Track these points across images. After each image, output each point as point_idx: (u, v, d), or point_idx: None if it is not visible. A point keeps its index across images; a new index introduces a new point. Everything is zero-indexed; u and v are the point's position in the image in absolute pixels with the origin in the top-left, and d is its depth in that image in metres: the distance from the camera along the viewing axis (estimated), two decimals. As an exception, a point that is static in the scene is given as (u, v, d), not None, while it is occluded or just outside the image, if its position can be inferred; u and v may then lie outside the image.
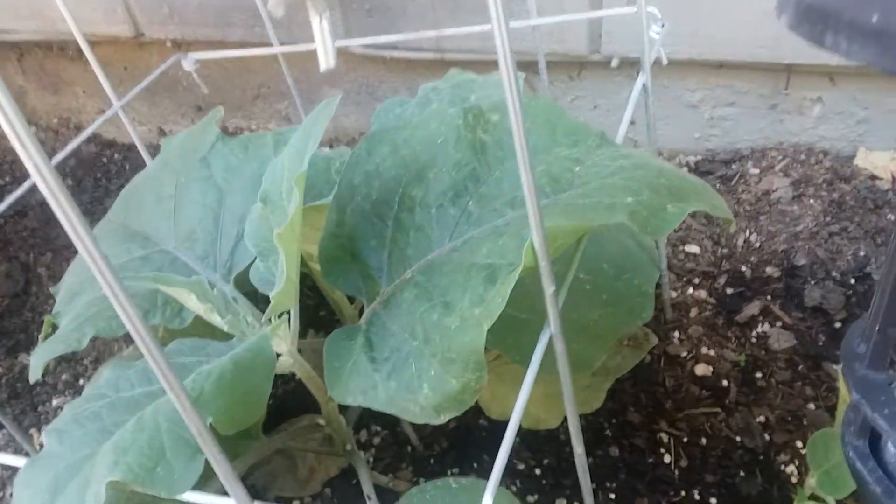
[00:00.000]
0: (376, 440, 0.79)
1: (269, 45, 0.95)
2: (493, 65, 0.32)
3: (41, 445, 0.89)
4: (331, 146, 1.28)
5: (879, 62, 0.22)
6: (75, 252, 1.15)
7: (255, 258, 0.63)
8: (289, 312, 0.58)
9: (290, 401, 0.81)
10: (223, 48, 1.00)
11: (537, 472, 0.73)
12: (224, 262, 0.69)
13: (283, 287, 0.53)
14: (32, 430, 0.92)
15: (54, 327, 0.71)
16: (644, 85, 0.72)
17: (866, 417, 0.33)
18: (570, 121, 0.59)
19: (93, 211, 1.24)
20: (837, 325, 0.81)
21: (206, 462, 0.49)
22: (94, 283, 0.71)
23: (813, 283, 0.86)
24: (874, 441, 0.36)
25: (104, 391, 0.51)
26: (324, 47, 0.24)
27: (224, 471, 0.38)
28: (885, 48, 0.21)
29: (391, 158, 0.60)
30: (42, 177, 0.29)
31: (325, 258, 0.60)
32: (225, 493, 0.43)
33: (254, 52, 0.96)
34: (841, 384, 0.71)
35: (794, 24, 0.25)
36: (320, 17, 0.23)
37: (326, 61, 0.24)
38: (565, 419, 0.73)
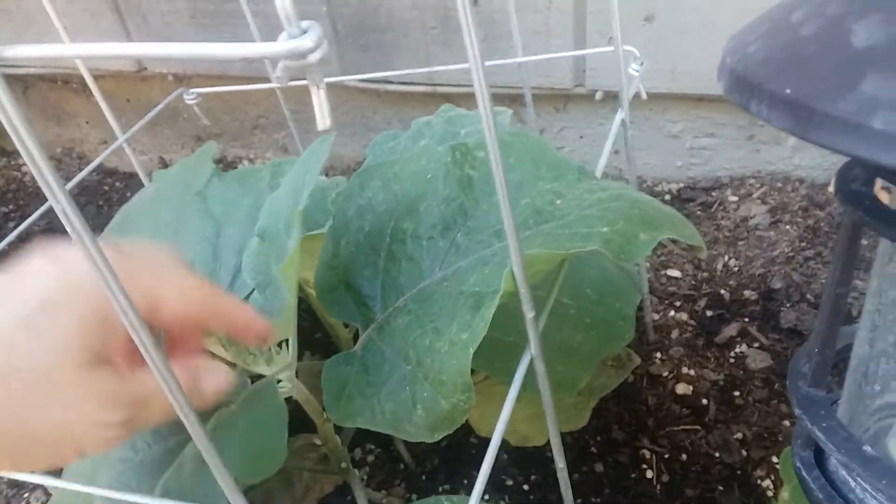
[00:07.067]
0: (370, 458, 0.82)
1: (268, 79, 1.00)
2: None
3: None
4: (326, 175, 1.32)
5: (792, 130, 0.26)
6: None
7: (253, 290, 0.66)
8: (287, 340, 0.62)
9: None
10: (223, 82, 1.04)
11: (525, 487, 0.76)
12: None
13: (284, 317, 0.57)
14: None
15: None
16: (623, 120, 0.76)
17: (808, 430, 0.36)
18: (553, 156, 0.63)
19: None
20: (811, 345, 0.85)
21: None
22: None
23: (788, 305, 0.90)
24: (819, 452, 0.40)
25: (124, 454, 0.56)
26: (321, 112, 0.28)
27: (230, 489, 0.42)
28: (796, 118, 0.25)
29: (383, 193, 0.64)
30: (62, 208, 0.32)
31: (322, 287, 0.64)
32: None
33: (252, 86, 1.01)
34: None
35: (728, 90, 0.29)
36: (318, 88, 0.27)
37: (323, 123, 0.28)
38: (551, 437, 0.76)
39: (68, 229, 0.33)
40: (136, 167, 0.96)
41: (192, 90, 0.94)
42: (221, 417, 0.58)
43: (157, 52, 0.29)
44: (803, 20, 0.28)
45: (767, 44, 0.28)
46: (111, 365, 0.35)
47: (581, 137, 1.16)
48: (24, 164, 1.48)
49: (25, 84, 1.42)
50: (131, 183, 1.40)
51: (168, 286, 0.38)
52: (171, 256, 0.41)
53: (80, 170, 0.89)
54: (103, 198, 1.38)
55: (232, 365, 0.62)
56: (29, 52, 0.31)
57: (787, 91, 0.25)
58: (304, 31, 0.26)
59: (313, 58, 0.26)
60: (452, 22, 1.06)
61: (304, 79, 0.28)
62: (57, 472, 0.91)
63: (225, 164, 1.39)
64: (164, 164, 1.45)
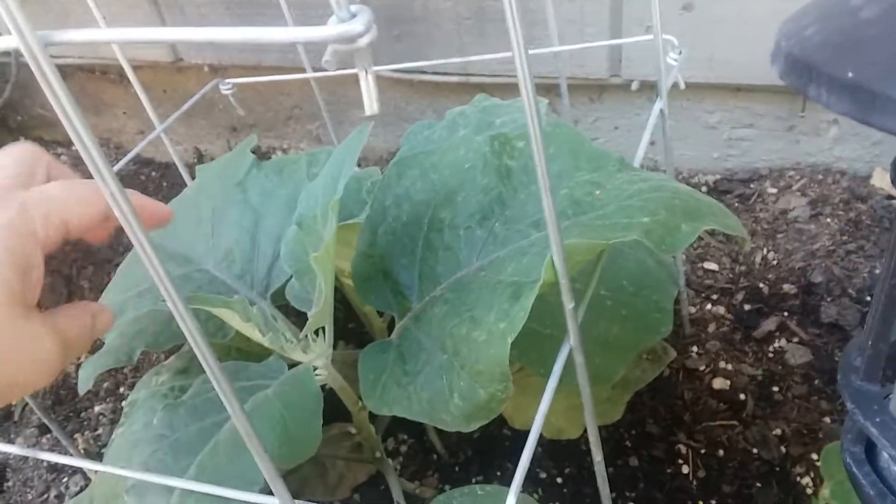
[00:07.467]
0: (403, 448, 0.82)
1: (303, 69, 1.00)
2: (516, 87, 0.35)
3: (84, 450, 0.94)
4: (360, 165, 1.32)
5: (853, 113, 0.25)
6: (116, 265, 1.19)
7: (291, 277, 0.67)
8: (323, 328, 0.62)
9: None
10: (258, 72, 1.05)
11: (559, 480, 0.75)
12: (261, 281, 0.73)
13: (320, 307, 0.57)
14: (76, 436, 0.97)
15: (100, 342, 0.76)
16: (661, 110, 0.75)
17: (860, 425, 0.36)
18: (592, 147, 0.62)
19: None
20: (852, 341, 0.83)
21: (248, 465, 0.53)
22: (137, 302, 0.76)
23: (829, 300, 0.88)
24: (870, 447, 0.39)
25: (161, 431, 0.56)
26: (369, 97, 0.28)
27: (268, 470, 0.42)
28: (857, 101, 0.25)
29: (420, 182, 0.63)
30: (111, 192, 0.32)
31: (359, 276, 0.64)
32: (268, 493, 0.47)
33: (288, 77, 1.01)
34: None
35: (784, 74, 0.29)
36: (366, 72, 0.27)
37: (371, 108, 0.28)
38: (586, 430, 0.76)
39: (117, 214, 0.33)
40: (173, 157, 0.97)
41: (227, 80, 0.95)
42: (257, 401, 0.58)
43: (208, 36, 0.29)
44: (863, 4, 0.27)
45: (825, 27, 0.28)
46: (34, 310, 0.37)
47: (616, 128, 1.15)
48: (62, 154, 1.50)
49: (64, 75, 1.44)
50: (167, 173, 1.42)
51: (65, 203, 0.39)
52: (59, 165, 0.43)
53: (118, 160, 0.90)
54: (140, 187, 1.40)
55: (268, 351, 0.63)
56: (78, 37, 0.31)
57: (849, 74, 0.25)
58: (354, 15, 0.26)
59: (363, 42, 0.25)
60: (487, 13, 1.05)
61: (341, 68, 0.27)
62: (97, 456, 0.93)
63: (259, 155, 1.40)
64: (199, 154, 1.46)
